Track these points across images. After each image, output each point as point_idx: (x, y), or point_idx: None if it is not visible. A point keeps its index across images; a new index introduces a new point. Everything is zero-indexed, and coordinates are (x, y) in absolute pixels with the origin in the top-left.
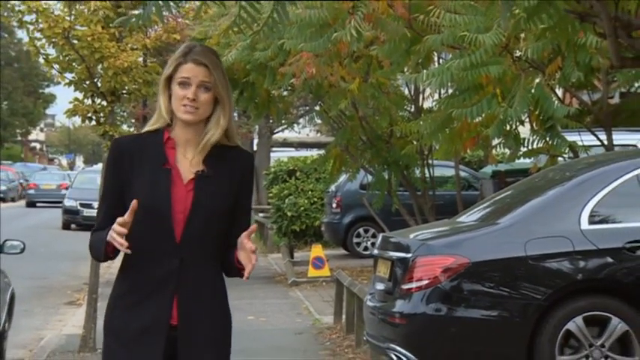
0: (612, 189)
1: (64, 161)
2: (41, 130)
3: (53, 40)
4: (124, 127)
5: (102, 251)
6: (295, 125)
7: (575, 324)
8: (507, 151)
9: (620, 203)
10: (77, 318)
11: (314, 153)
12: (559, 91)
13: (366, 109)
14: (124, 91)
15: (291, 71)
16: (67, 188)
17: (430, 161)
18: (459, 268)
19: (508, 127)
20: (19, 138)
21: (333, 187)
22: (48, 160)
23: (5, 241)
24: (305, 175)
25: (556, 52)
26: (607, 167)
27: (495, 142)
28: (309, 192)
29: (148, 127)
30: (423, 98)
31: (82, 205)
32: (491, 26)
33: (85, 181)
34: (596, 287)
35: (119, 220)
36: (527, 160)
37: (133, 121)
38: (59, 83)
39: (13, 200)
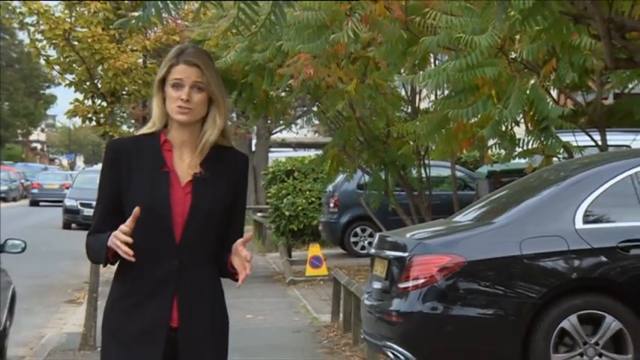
0: (606, 189)
1: (65, 161)
2: (42, 130)
3: (54, 41)
4: (124, 127)
5: (102, 256)
6: (293, 126)
7: (570, 322)
8: (503, 151)
9: (614, 203)
10: (77, 316)
11: (312, 153)
12: (554, 92)
13: (363, 110)
14: (124, 92)
15: (289, 72)
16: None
17: (426, 161)
18: (455, 267)
19: (503, 128)
20: (21, 138)
21: (330, 187)
22: (49, 160)
23: (6, 240)
24: (303, 175)
25: (551, 53)
26: (601, 167)
27: (491, 142)
28: (307, 192)
29: (143, 131)
30: (420, 99)
31: (82, 204)
32: (486, 28)
33: (86, 181)
34: (591, 286)
35: (123, 228)
36: (523, 161)
37: (133, 121)
38: (60, 84)
39: (14, 200)
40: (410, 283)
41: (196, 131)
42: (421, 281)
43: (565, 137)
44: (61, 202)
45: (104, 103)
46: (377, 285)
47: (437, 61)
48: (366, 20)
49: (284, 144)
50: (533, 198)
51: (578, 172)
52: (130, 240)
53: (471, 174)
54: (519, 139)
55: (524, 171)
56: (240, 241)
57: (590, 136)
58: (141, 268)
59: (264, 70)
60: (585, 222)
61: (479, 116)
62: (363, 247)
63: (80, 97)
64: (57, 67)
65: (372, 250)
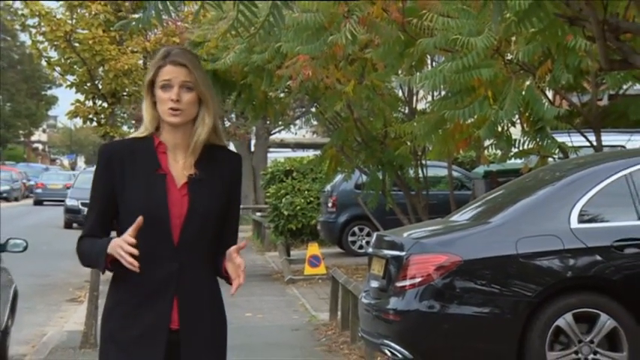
0: (601, 189)
1: (66, 161)
2: (43, 131)
3: (55, 43)
4: (125, 128)
5: (101, 263)
6: (292, 126)
7: (565, 320)
8: (499, 151)
9: (608, 203)
10: (78, 315)
11: (310, 153)
12: (549, 93)
13: (361, 111)
14: (125, 93)
15: (287, 73)
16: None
17: (424, 161)
18: (452, 266)
19: (499, 129)
20: (22, 139)
21: (328, 187)
22: (50, 160)
23: (8, 239)
24: (301, 175)
25: (546, 55)
26: (596, 167)
27: (487, 143)
28: (306, 192)
29: (135, 135)
30: (417, 100)
31: (83, 204)
32: (482, 30)
33: (87, 181)
34: (586, 285)
35: (128, 238)
36: (519, 161)
37: (134, 122)
38: (61, 85)
39: (16, 200)
40: (407, 282)
41: (188, 133)
42: (418, 280)
43: (560, 138)
44: (64, 201)
45: (105, 104)
46: (374, 284)
47: (434, 63)
48: (363, 22)
49: (283, 144)
50: (529, 198)
51: (574, 172)
52: (135, 251)
53: (467, 174)
54: (515, 140)
55: (520, 171)
56: (234, 248)
57: (585, 136)
58: (140, 271)
59: (263, 71)
60: (580, 221)
61: (475, 117)
62: (360, 247)
63: (81, 98)
64: (58, 69)
65: (370, 249)
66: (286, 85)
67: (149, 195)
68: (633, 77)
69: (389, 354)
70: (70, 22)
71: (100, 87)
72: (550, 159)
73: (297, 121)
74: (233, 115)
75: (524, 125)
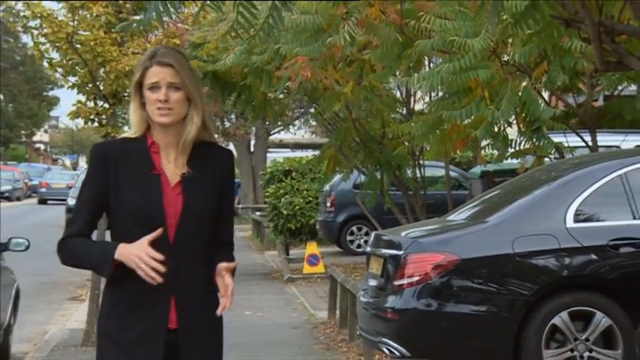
0: (596, 188)
1: (68, 161)
2: (45, 131)
3: (57, 44)
4: (126, 128)
5: (107, 267)
6: (291, 127)
7: (561, 319)
8: (496, 151)
9: (604, 202)
10: (80, 313)
11: (309, 154)
12: (545, 94)
13: (359, 112)
14: (126, 94)
15: (286, 75)
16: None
17: (421, 162)
18: (449, 265)
19: (496, 129)
20: (24, 139)
21: (327, 187)
22: (52, 160)
23: (10, 238)
24: (300, 175)
25: (542, 56)
26: (591, 167)
27: (484, 143)
28: (305, 191)
29: (126, 135)
30: (415, 101)
31: None
32: (479, 31)
33: None
34: (581, 283)
35: (155, 254)
36: (515, 161)
37: None
38: (63, 86)
39: (18, 199)
40: (405, 281)
41: (179, 132)
42: (416, 279)
43: (556, 138)
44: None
45: (106, 105)
46: (372, 282)
47: (431, 64)
48: (362, 24)
49: (282, 144)
50: (525, 197)
51: (569, 172)
52: (162, 269)
53: (464, 174)
54: (512, 140)
55: (517, 171)
56: (224, 266)
57: (580, 137)
58: (137, 272)
59: (262, 72)
60: (576, 221)
61: (472, 117)
62: (359, 246)
63: (83, 98)
64: (60, 70)
65: (368, 249)
66: (285, 86)
67: (144, 195)
68: (628, 78)
69: (387, 352)
70: (71, 23)
71: (102, 88)
72: (546, 159)
73: (296, 122)
74: (233, 116)
75: (521, 126)
